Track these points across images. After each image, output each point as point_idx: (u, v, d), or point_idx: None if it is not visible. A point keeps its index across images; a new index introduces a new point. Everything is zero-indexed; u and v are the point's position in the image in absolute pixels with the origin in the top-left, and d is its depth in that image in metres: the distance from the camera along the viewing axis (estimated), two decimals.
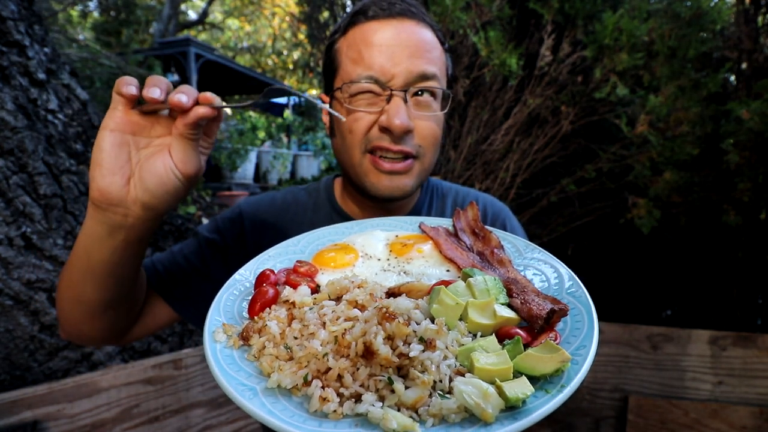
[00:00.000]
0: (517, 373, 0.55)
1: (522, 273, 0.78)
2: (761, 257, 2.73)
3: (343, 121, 1.04)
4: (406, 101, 1.01)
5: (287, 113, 14.10)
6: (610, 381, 2.41)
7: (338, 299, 0.70)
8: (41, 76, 2.12)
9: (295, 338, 0.63)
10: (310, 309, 0.67)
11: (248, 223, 1.21)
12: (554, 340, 0.61)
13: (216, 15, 20.65)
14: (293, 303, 0.70)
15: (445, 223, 0.96)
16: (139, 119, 0.79)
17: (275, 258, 0.88)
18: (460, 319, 0.64)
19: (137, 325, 1.09)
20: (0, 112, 1.90)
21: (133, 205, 0.78)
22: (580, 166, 2.91)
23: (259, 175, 11.20)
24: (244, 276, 0.81)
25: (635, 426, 2.33)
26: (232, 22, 21.37)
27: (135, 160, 0.79)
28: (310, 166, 12.26)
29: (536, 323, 0.63)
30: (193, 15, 19.82)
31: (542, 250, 0.80)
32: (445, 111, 1.11)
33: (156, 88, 0.74)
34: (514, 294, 0.69)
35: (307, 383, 0.57)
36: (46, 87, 2.15)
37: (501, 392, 0.52)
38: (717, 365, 2.28)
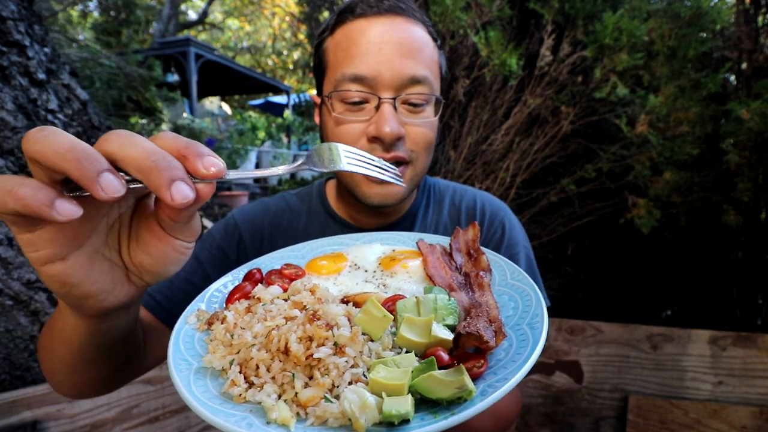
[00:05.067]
0: (417, 394, 0.55)
1: (498, 297, 0.76)
2: (761, 257, 2.73)
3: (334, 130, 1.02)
4: (395, 108, 0.98)
5: (287, 113, 14.09)
6: (610, 381, 2.41)
7: None
8: (41, 76, 2.12)
9: (242, 328, 0.67)
10: (263, 305, 0.71)
11: (246, 233, 1.18)
12: (480, 368, 0.58)
13: (216, 15, 20.66)
14: (258, 299, 0.74)
15: (446, 241, 0.95)
16: (78, 221, 0.48)
17: (276, 260, 0.91)
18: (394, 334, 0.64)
19: (145, 361, 1.01)
20: (0, 112, 1.90)
21: (144, 287, 0.65)
22: (580, 166, 2.92)
23: None
24: (236, 276, 0.86)
25: (635, 426, 2.34)
26: (232, 22, 21.38)
27: (115, 258, 0.60)
28: None
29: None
30: (193, 15, 19.83)
31: (527, 277, 0.78)
32: (438, 116, 1.07)
33: (105, 175, 0.45)
34: (468, 317, 0.67)
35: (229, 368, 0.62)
36: (46, 87, 2.15)
37: (380, 406, 0.52)
38: (717, 365, 2.28)
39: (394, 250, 0.92)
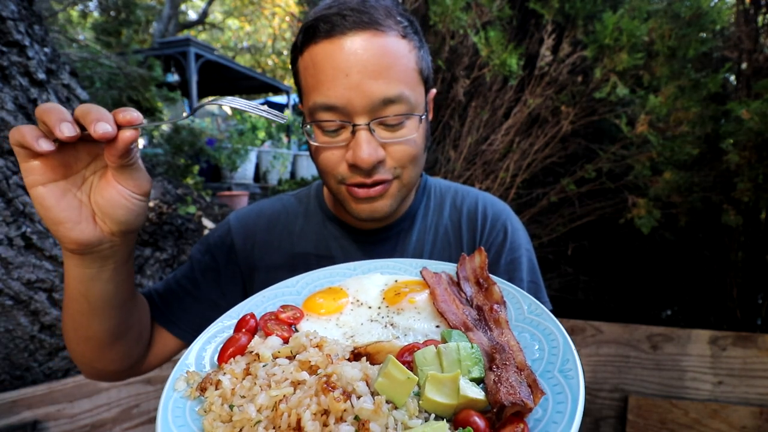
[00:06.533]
0: None
1: (519, 335, 0.69)
2: (761, 257, 2.73)
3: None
4: (372, 131, 0.94)
5: (287, 113, 14.10)
6: (610, 381, 2.41)
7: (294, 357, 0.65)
8: (41, 76, 2.12)
9: (243, 397, 0.59)
10: (264, 366, 0.63)
11: (238, 239, 1.19)
12: None
13: (216, 15, 20.66)
14: (257, 355, 0.65)
15: (451, 268, 0.88)
16: (59, 161, 0.73)
17: (269, 299, 0.85)
18: (418, 394, 0.57)
19: (149, 355, 1.09)
20: (0, 112, 1.90)
21: (113, 237, 0.79)
22: (580, 166, 2.92)
23: (259, 175, 11.19)
24: (231, 321, 0.79)
25: (635, 426, 2.34)
26: (232, 22, 21.37)
27: (84, 200, 0.77)
28: (310, 166, 12.25)
29: (493, 411, 0.54)
30: (193, 15, 19.83)
31: (546, 311, 0.71)
32: (417, 134, 1.00)
33: (64, 123, 0.66)
34: (494, 366, 0.59)
35: None
36: (46, 87, 2.15)
37: None
38: (717, 365, 2.28)
39: (396, 281, 0.86)
